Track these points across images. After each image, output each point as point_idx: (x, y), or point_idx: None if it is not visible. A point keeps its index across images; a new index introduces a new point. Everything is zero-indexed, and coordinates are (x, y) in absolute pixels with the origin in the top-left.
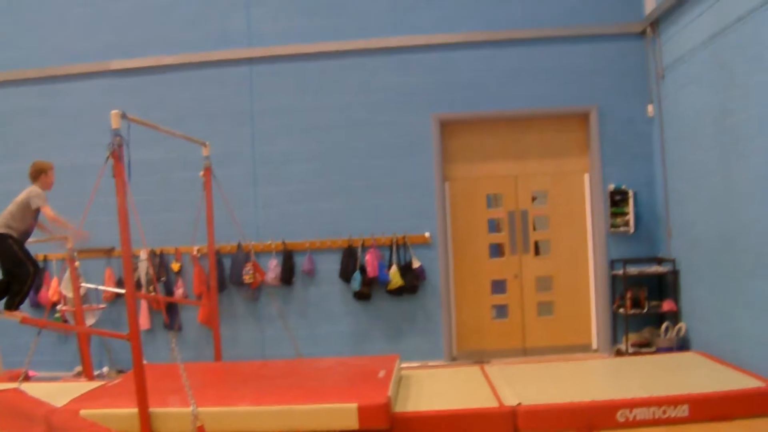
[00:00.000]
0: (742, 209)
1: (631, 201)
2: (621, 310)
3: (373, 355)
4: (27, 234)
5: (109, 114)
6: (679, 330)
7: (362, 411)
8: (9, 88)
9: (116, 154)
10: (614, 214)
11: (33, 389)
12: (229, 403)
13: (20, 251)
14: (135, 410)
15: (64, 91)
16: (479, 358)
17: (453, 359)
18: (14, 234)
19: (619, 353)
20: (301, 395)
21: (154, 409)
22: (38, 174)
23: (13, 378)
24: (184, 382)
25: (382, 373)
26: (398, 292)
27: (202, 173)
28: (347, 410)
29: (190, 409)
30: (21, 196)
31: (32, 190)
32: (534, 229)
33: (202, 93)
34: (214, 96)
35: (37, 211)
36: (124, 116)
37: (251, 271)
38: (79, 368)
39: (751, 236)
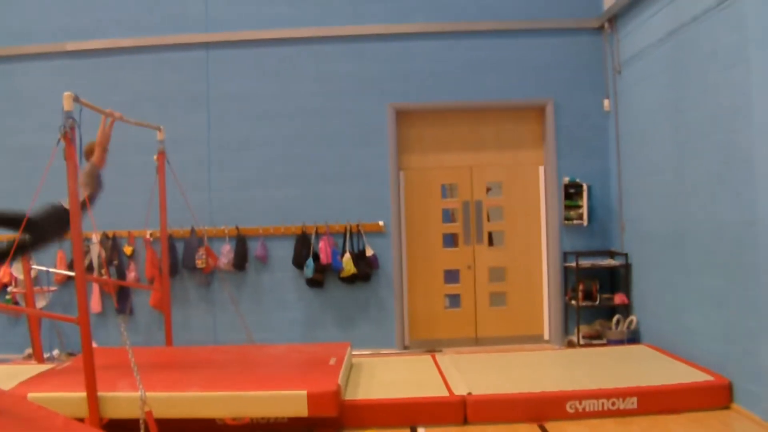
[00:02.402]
0: (692, 206)
1: (585, 194)
2: (573, 302)
3: (324, 342)
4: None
5: (62, 96)
6: (630, 323)
7: (312, 398)
8: None
9: (68, 136)
10: (568, 207)
11: None
12: (179, 388)
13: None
14: (83, 394)
15: (18, 72)
16: (431, 347)
17: (405, 348)
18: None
19: (570, 345)
20: (251, 382)
21: (102, 393)
22: (88, 153)
23: None
24: (133, 367)
25: (332, 361)
26: (351, 279)
27: (155, 157)
28: (297, 397)
29: (139, 393)
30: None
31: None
32: (488, 220)
33: (158, 76)
34: (170, 80)
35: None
36: (76, 99)
37: (204, 256)
38: (29, 350)
39: (700, 233)
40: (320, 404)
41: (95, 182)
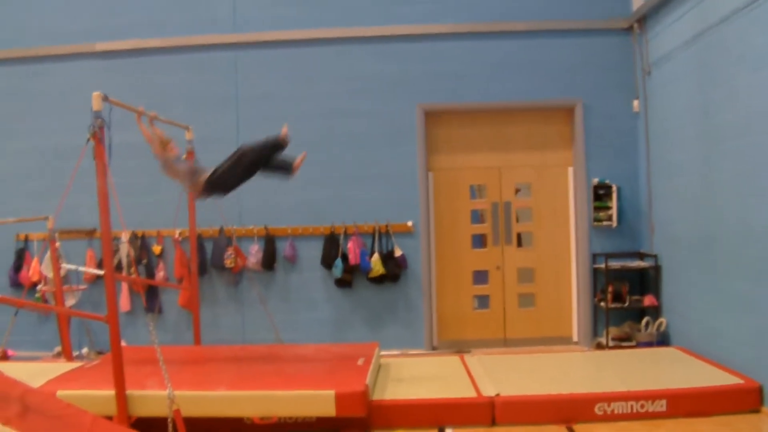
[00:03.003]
0: (722, 209)
1: (614, 195)
2: (602, 304)
3: (353, 343)
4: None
5: (91, 97)
6: (660, 325)
7: (340, 398)
8: None
9: (97, 136)
10: (597, 208)
11: (11, 369)
12: (207, 387)
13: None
14: (112, 392)
15: (48, 72)
16: (459, 347)
17: (433, 348)
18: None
19: (599, 346)
20: (280, 381)
21: (131, 392)
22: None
23: None
24: (161, 365)
25: (361, 361)
26: (380, 280)
27: (184, 157)
28: (325, 397)
29: (167, 392)
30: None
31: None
32: (517, 220)
33: (186, 77)
34: (198, 81)
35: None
36: (105, 98)
37: (233, 256)
38: (58, 349)
39: (730, 237)
40: (348, 404)
41: (186, 174)
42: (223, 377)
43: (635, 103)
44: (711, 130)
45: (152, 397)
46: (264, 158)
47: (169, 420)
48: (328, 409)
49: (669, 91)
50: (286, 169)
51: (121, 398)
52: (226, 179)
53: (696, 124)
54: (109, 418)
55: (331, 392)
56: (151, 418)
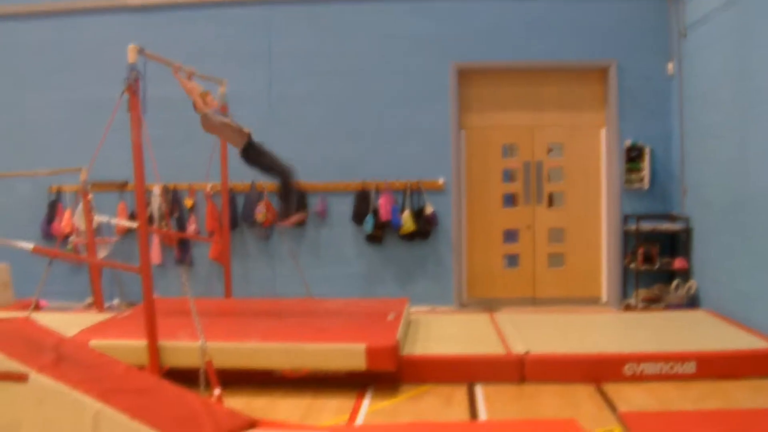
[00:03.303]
0: (755, 172)
1: (646, 157)
2: (632, 265)
3: (383, 298)
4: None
5: (126, 49)
6: (690, 288)
7: (370, 352)
8: (27, 21)
9: (132, 88)
10: (629, 170)
11: (44, 319)
12: (238, 338)
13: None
14: (144, 342)
15: (82, 26)
16: (488, 305)
17: (462, 305)
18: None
19: (628, 308)
20: (310, 334)
21: (163, 342)
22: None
23: (24, 307)
24: (194, 316)
25: (391, 316)
26: (410, 236)
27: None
28: (355, 351)
29: (199, 343)
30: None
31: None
32: (548, 180)
33: (220, 32)
34: (231, 36)
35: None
36: (141, 51)
37: (264, 210)
38: (90, 299)
39: (762, 200)
40: (379, 358)
41: (228, 128)
42: (255, 329)
43: (670, 65)
44: (747, 93)
45: (184, 348)
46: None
47: (201, 370)
48: (359, 363)
49: (705, 53)
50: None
51: (153, 348)
52: (257, 164)
53: (731, 86)
54: (141, 368)
55: (362, 346)
56: (182, 369)
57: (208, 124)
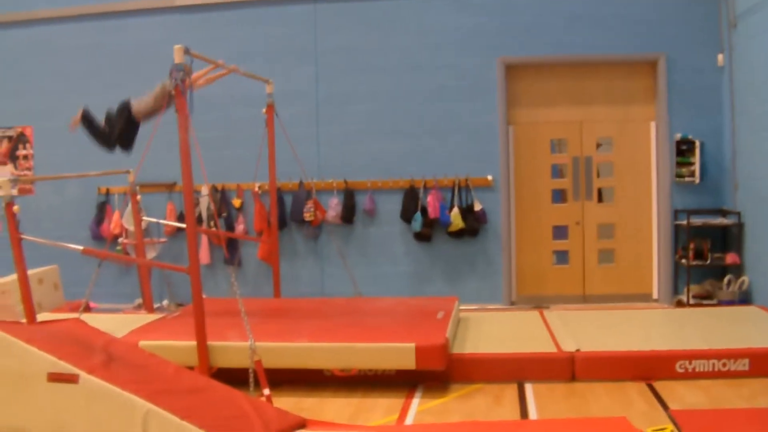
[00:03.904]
0: None
1: (697, 151)
2: (683, 261)
3: (432, 296)
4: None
5: (172, 51)
6: (742, 283)
7: (420, 351)
8: (71, 23)
9: (179, 88)
10: (680, 164)
11: (93, 320)
12: (287, 338)
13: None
14: (193, 343)
15: (127, 27)
16: (538, 303)
17: (512, 303)
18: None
19: (679, 304)
20: (359, 333)
21: (212, 342)
22: None
23: (74, 309)
24: (243, 317)
25: (440, 314)
26: (459, 234)
27: (264, 110)
28: (405, 350)
29: (248, 343)
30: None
31: None
32: (598, 176)
33: (265, 31)
34: (277, 34)
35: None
36: (187, 51)
37: (312, 209)
38: (139, 300)
39: None
40: (428, 357)
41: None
42: (304, 329)
43: (720, 56)
44: None
45: (233, 348)
46: None
47: (250, 371)
48: (408, 362)
49: (755, 43)
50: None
51: (203, 349)
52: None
53: None
54: (191, 368)
55: (412, 345)
56: (232, 369)
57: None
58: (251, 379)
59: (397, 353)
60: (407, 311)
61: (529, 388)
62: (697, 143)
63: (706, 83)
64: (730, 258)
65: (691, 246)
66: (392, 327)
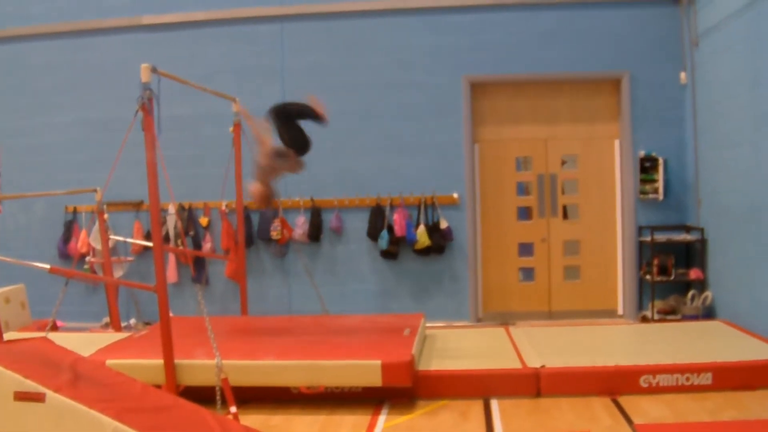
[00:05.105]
0: None
1: (660, 168)
2: (648, 277)
3: (398, 313)
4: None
5: (139, 69)
6: (705, 299)
7: (386, 368)
8: (40, 41)
9: (146, 107)
10: (644, 181)
11: (60, 339)
12: (254, 356)
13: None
14: (160, 361)
15: (95, 46)
16: (504, 320)
17: (478, 320)
18: None
19: (644, 320)
20: (326, 351)
21: (179, 361)
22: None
23: (41, 327)
24: (210, 335)
25: (407, 332)
26: (425, 252)
27: (231, 129)
28: (371, 367)
29: (215, 361)
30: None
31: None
32: (563, 192)
33: (232, 50)
34: (244, 53)
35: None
36: (154, 70)
37: (279, 228)
38: (106, 319)
39: None
40: (394, 374)
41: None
42: (270, 347)
43: (683, 74)
44: (761, 101)
45: (200, 366)
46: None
47: (217, 389)
48: (375, 379)
49: (718, 62)
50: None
51: (170, 367)
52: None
53: (745, 95)
54: (158, 386)
55: (377, 362)
56: (199, 387)
57: (269, 165)
58: (218, 397)
59: (364, 370)
60: (374, 328)
61: (494, 403)
62: (661, 160)
63: (669, 100)
64: (694, 273)
65: (656, 262)
66: (358, 344)
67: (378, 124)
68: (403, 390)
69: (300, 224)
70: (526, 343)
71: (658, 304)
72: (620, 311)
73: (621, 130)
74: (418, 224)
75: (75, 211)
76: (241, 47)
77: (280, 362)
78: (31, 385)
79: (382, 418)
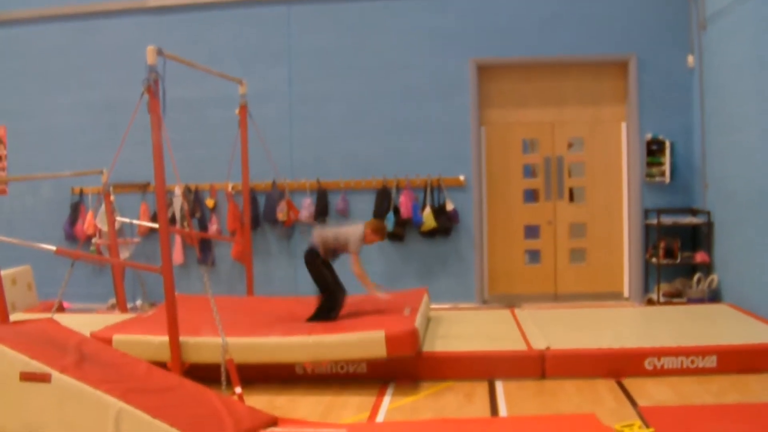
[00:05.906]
0: None
1: (667, 151)
2: (653, 260)
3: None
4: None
5: (145, 51)
6: (711, 282)
7: (390, 339)
8: (47, 24)
9: (151, 89)
10: (650, 164)
11: (67, 320)
12: (259, 333)
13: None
14: (166, 338)
15: (101, 28)
16: (510, 302)
17: (484, 302)
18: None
19: (650, 302)
20: (330, 327)
21: (185, 338)
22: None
23: (48, 308)
24: (215, 314)
25: (408, 310)
26: (431, 233)
27: (237, 111)
28: (375, 338)
29: (220, 340)
30: (349, 229)
31: (358, 232)
32: (569, 175)
33: (239, 32)
34: (251, 35)
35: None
36: (160, 52)
37: (285, 209)
38: (112, 300)
39: None
40: (398, 345)
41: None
42: (275, 325)
43: (690, 58)
44: (767, 85)
45: (205, 344)
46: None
47: (222, 368)
48: (379, 351)
49: (725, 45)
50: None
51: (175, 344)
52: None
53: (753, 78)
54: (163, 364)
55: (381, 333)
56: (204, 368)
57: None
58: (223, 378)
59: (368, 342)
60: (377, 305)
61: (499, 385)
62: (668, 143)
63: (677, 84)
64: (700, 257)
65: (662, 245)
66: (362, 319)
67: (385, 107)
68: (408, 371)
69: (306, 206)
70: (532, 325)
71: (664, 286)
72: (626, 294)
73: (628, 113)
74: (424, 206)
75: (81, 193)
76: (247, 30)
77: (284, 339)
78: (37, 366)
79: (386, 400)
